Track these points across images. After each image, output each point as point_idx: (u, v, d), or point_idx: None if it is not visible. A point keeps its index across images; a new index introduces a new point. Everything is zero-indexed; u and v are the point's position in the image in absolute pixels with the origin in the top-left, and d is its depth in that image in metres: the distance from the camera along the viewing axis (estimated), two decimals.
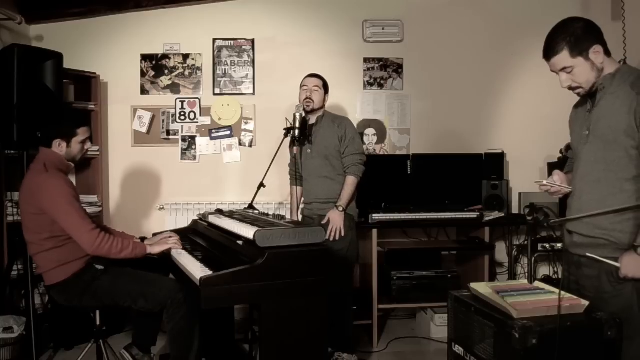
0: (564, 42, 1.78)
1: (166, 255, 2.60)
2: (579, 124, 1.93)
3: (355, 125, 3.48)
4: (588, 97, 1.88)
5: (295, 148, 3.29)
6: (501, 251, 4.15)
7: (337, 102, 3.99)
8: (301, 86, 3.25)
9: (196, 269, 2.17)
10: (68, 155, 2.57)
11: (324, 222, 3.06)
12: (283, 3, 4.14)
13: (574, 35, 1.77)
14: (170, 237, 2.70)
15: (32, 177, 2.47)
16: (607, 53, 1.81)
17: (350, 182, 3.09)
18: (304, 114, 3.16)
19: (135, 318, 2.71)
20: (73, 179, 3.90)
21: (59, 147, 2.53)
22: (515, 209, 4.03)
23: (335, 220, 3.04)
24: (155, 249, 2.57)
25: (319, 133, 3.19)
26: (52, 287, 2.51)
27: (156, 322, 2.71)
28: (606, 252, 1.76)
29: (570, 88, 1.85)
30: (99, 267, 2.50)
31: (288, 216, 3.37)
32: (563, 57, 1.79)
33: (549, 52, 1.82)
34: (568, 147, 3.81)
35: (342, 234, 3.06)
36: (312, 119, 3.24)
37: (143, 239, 2.83)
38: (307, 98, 3.18)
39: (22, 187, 2.50)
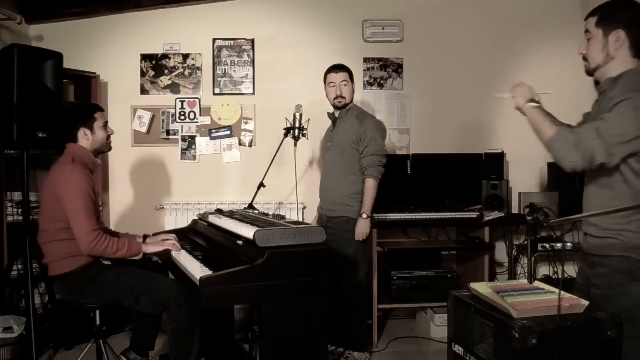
0: (600, 11, 1.76)
1: (168, 256, 2.59)
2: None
3: None
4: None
5: (322, 142, 3.31)
6: (501, 251, 4.15)
7: None
8: (327, 82, 3.13)
9: (196, 269, 2.17)
10: (95, 144, 2.61)
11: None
12: (283, 3, 4.14)
13: (610, 10, 1.74)
14: (168, 239, 2.69)
15: (58, 167, 2.51)
16: (637, 55, 1.72)
17: (371, 185, 3.05)
18: (302, 113, 3.13)
19: (135, 321, 2.71)
20: None
21: (85, 137, 2.58)
22: (515, 209, 4.03)
23: (361, 228, 3.05)
24: (150, 249, 2.60)
25: (340, 127, 3.14)
26: (56, 279, 2.51)
27: (156, 326, 2.71)
28: (616, 250, 1.74)
29: (583, 57, 1.83)
30: (106, 262, 2.52)
31: (289, 216, 3.37)
32: (590, 22, 1.78)
33: (590, 13, 1.80)
34: None
35: (363, 239, 3.08)
36: (337, 112, 3.18)
37: (145, 237, 2.83)
38: (337, 96, 3.07)
39: (48, 176, 2.53)
